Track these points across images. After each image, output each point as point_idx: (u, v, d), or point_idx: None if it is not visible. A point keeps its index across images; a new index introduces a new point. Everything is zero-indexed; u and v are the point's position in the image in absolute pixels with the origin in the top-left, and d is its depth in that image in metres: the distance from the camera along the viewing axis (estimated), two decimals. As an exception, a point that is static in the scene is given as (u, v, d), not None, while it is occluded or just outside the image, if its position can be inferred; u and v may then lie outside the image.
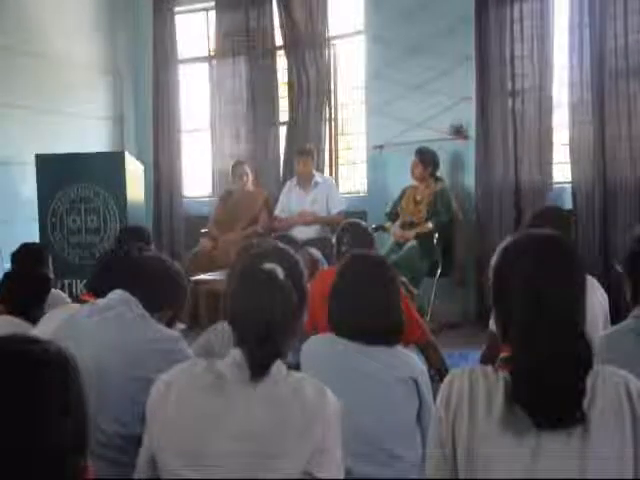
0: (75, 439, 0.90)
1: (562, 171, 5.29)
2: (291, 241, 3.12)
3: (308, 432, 1.37)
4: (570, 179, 5.17)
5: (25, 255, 3.40)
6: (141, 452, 1.49)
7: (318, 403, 1.40)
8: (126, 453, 1.87)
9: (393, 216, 5.33)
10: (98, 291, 2.39)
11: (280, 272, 1.45)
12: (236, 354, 1.42)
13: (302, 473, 1.36)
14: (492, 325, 2.22)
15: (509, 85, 5.31)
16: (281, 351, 1.44)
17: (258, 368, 1.39)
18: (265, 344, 1.40)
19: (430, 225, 5.02)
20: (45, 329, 2.27)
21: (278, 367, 1.42)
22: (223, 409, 1.38)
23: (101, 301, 2.19)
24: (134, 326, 2.05)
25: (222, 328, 2.99)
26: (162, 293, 2.18)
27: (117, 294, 2.14)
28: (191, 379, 1.44)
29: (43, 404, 0.85)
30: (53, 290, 3.41)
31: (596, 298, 2.43)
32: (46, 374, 0.88)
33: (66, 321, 2.19)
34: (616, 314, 2.44)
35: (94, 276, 2.63)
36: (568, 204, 5.09)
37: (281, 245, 1.65)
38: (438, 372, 2.66)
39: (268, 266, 1.46)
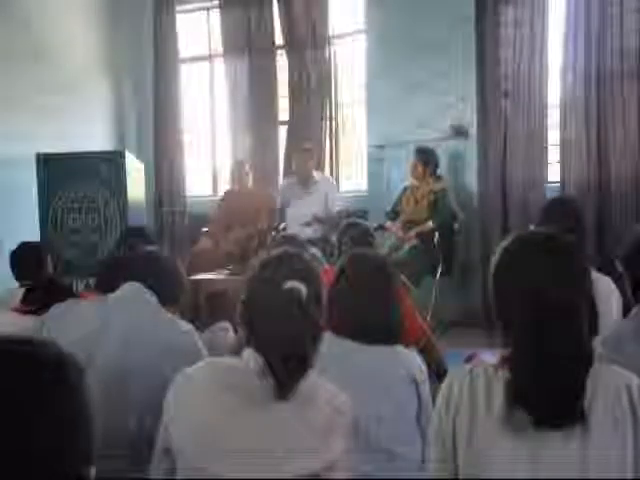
0: (75, 442, 0.89)
1: (562, 170, 5.28)
2: (296, 242, 3.12)
3: (325, 439, 1.37)
4: (566, 179, 5.17)
5: (25, 255, 3.39)
6: (157, 443, 1.49)
7: (336, 411, 1.41)
8: (142, 452, 1.87)
9: (393, 215, 5.33)
10: (104, 290, 2.40)
11: (304, 290, 1.41)
12: (256, 359, 1.40)
13: (312, 474, 1.36)
14: None
15: (508, 85, 5.32)
16: (307, 370, 1.41)
17: (286, 391, 1.37)
18: (294, 366, 1.37)
19: (431, 224, 5.02)
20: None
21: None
22: (242, 408, 1.38)
23: (113, 296, 2.18)
24: (151, 321, 2.05)
25: (223, 327, 2.99)
26: (165, 289, 2.18)
27: (130, 287, 2.14)
28: (213, 376, 1.44)
29: (40, 406, 0.85)
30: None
31: (614, 299, 2.39)
32: (42, 375, 0.87)
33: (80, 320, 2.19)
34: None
35: (99, 277, 2.65)
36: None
37: (297, 253, 1.58)
38: (437, 372, 2.65)
39: (290, 285, 1.40)
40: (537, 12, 5.15)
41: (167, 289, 2.21)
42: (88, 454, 0.90)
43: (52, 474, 0.84)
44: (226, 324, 2.98)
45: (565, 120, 5.12)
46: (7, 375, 0.86)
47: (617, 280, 1.93)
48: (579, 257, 1.36)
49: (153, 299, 2.11)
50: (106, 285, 2.37)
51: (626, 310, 1.82)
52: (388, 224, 5.28)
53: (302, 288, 1.41)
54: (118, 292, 2.17)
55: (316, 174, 5.60)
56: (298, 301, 1.39)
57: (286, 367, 1.37)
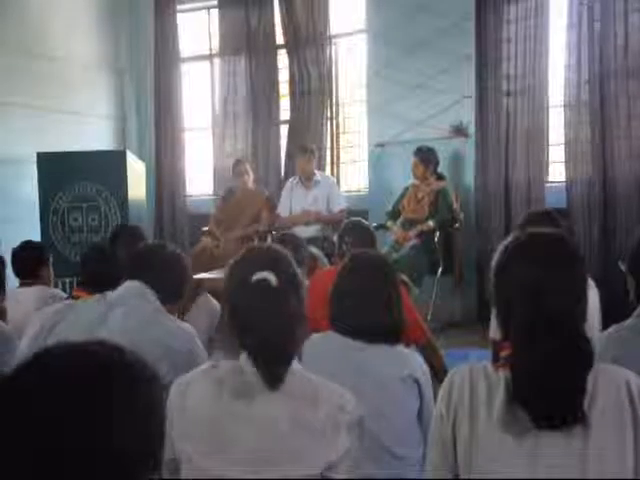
0: (142, 448, 0.87)
1: (562, 170, 5.28)
2: (294, 240, 3.11)
3: (329, 438, 1.37)
4: (570, 178, 5.17)
5: (28, 254, 3.38)
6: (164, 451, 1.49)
7: (340, 410, 1.40)
8: None
9: (394, 214, 5.33)
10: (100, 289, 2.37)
11: (273, 279, 1.41)
12: (248, 361, 1.40)
13: (315, 473, 1.36)
14: (493, 332, 2.20)
15: (508, 84, 5.32)
16: (291, 358, 1.42)
17: (273, 381, 1.38)
18: (273, 357, 1.38)
19: (431, 223, 5.01)
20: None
21: (293, 371, 1.42)
22: (242, 410, 1.39)
23: (112, 294, 2.15)
24: (151, 322, 2.03)
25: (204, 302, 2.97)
26: (167, 287, 2.16)
27: (131, 285, 2.12)
28: (211, 380, 1.44)
29: (111, 406, 0.84)
30: (54, 290, 3.41)
31: (592, 296, 2.42)
32: (116, 377, 0.86)
33: (76, 319, 2.17)
34: (613, 313, 2.42)
35: (92, 274, 2.60)
36: (566, 203, 5.10)
37: (273, 247, 1.60)
38: (437, 372, 2.65)
39: (259, 276, 1.42)
40: (539, 10, 5.14)
41: (169, 287, 2.16)
42: (158, 459, 0.90)
43: (124, 477, 0.83)
44: (208, 296, 2.94)
45: (570, 119, 5.11)
46: (89, 373, 0.85)
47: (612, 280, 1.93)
48: (579, 258, 1.36)
49: (154, 299, 2.08)
50: (106, 284, 2.34)
51: (629, 311, 1.82)
52: (389, 223, 5.28)
53: (271, 277, 1.41)
54: (118, 290, 2.14)
55: (317, 173, 5.60)
56: (268, 290, 1.40)
57: (268, 357, 1.38)
